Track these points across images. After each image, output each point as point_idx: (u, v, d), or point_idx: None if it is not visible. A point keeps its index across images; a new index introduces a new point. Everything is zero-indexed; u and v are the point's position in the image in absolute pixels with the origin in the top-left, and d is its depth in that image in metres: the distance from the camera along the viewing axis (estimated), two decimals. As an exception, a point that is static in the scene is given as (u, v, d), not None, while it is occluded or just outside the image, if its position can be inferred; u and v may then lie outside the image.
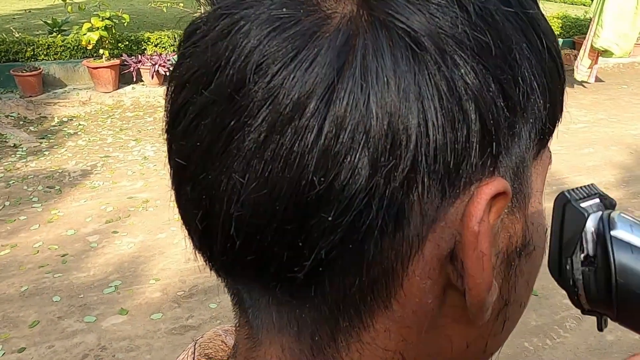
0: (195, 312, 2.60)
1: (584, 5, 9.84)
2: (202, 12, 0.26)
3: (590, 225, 0.22)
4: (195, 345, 0.43)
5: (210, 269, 0.28)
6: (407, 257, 0.24)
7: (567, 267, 0.23)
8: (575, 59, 5.85)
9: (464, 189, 0.24)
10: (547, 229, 0.30)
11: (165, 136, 0.27)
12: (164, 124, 0.27)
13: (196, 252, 0.28)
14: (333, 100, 0.21)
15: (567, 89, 0.28)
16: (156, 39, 6.19)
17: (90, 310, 2.62)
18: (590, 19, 5.94)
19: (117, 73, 5.80)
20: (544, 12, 0.27)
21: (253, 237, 0.23)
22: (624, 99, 5.90)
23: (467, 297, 0.24)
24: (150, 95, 5.74)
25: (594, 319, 0.25)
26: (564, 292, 0.26)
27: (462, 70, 0.22)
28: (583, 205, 0.23)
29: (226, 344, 0.42)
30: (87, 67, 5.72)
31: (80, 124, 5.13)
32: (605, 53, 5.47)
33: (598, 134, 4.87)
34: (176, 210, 0.27)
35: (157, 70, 5.73)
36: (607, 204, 0.23)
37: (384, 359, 0.26)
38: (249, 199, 0.23)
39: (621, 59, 6.65)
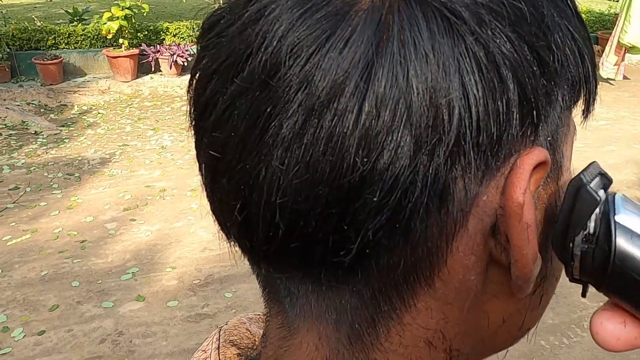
0: (210, 301, 2.63)
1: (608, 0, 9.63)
2: (221, 4, 0.26)
3: None
4: (220, 331, 0.43)
5: (250, 261, 0.27)
6: (452, 234, 0.24)
7: (570, 244, 0.24)
8: (599, 55, 5.72)
9: (505, 161, 0.23)
10: None
11: (192, 131, 0.26)
12: (190, 118, 0.26)
13: (234, 244, 0.27)
14: (372, 79, 0.21)
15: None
16: (175, 29, 6.23)
17: (108, 296, 2.66)
18: (616, 15, 5.81)
19: (136, 62, 5.85)
20: None
21: (297, 224, 0.23)
22: (647, 96, 5.77)
23: (512, 269, 0.24)
24: (168, 85, 5.78)
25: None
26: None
27: (499, 40, 0.22)
28: (593, 186, 0.24)
29: (250, 332, 0.42)
30: (107, 56, 5.78)
31: (99, 113, 5.19)
32: (633, 49, 5.34)
33: (620, 132, 4.77)
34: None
35: (176, 61, 5.77)
36: (606, 181, 0.25)
37: (424, 339, 0.26)
38: (290, 186, 0.22)
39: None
